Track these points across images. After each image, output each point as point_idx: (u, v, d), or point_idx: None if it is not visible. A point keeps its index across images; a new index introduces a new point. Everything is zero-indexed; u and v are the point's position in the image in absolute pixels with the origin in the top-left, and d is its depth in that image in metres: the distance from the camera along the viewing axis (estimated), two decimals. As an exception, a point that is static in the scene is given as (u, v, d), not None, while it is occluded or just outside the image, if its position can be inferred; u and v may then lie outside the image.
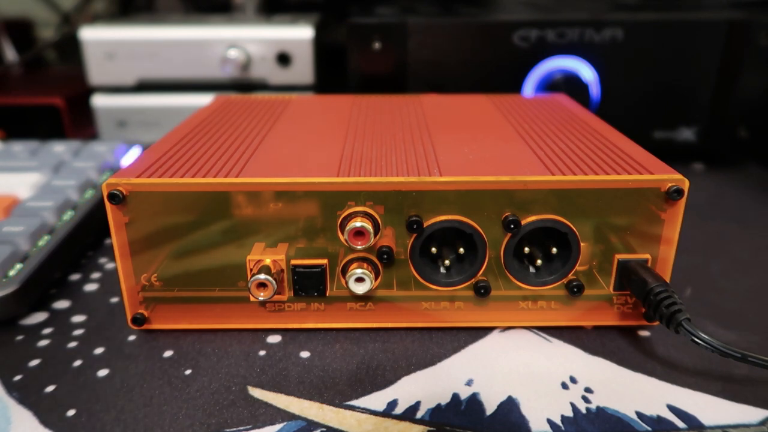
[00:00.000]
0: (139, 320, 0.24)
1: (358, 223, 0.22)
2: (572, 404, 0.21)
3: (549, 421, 0.20)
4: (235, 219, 0.23)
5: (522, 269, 0.24)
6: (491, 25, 0.38)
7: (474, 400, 0.21)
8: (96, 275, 0.29)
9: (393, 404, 0.21)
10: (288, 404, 0.21)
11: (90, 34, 0.43)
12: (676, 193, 0.22)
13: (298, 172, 0.23)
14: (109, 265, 0.30)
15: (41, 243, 0.27)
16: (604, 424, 0.20)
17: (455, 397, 0.21)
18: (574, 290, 0.23)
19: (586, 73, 0.39)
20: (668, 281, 0.23)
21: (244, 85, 0.44)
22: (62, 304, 0.27)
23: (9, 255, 0.25)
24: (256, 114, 0.31)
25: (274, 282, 0.22)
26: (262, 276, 0.22)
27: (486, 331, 0.25)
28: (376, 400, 0.21)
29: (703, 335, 0.21)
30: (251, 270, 0.23)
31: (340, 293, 0.24)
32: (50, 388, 0.22)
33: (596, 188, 0.22)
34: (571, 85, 0.39)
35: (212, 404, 0.21)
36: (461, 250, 0.23)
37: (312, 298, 0.24)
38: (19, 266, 0.25)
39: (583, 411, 0.21)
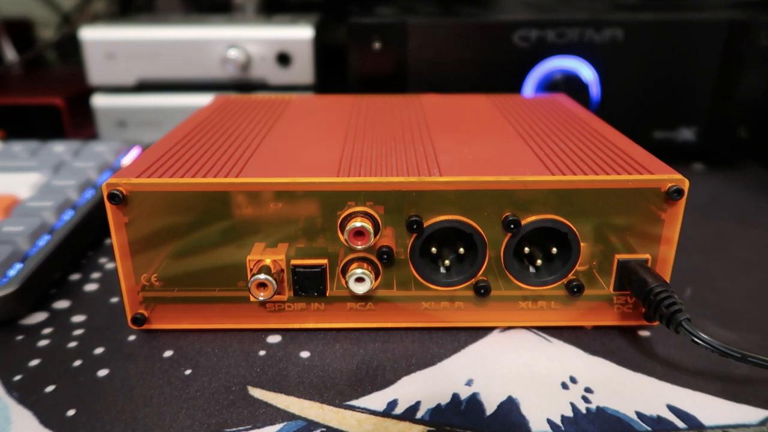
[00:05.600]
0: (139, 320, 0.24)
1: (358, 223, 0.22)
2: (572, 404, 0.21)
3: (549, 421, 0.20)
4: (235, 219, 0.23)
5: (522, 269, 0.24)
6: (491, 25, 0.38)
7: (474, 400, 0.21)
8: (96, 275, 0.29)
9: (393, 404, 0.21)
10: (288, 404, 0.21)
11: (90, 34, 0.43)
12: (676, 193, 0.22)
13: (298, 172, 0.23)
14: (109, 265, 0.30)
15: (41, 243, 0.27)
16: (604, 424, 0.20)
17: (455, 397, 0.21)
18: (574, 290, 0.23)
19: (586, 73, 0.39)
20: (668, 281, 0.23)
21: (244, 85, 0.44)
22: (62, 304, 0.27)
23: (9, 255, 0.25)
24: (256, 114, 0.31)
25: (274, 282, 0.22)
26: (262, 276, 0.22)
27: (486, 331, 0.25)
28: (376, 400, 0.21)
29: (703, 335, 0.21)
30: (251, 270, 0.23)
31: (340, 293, 0.24)
32: (50, 388, 0.22)
33: (596, 188, 0.22)
34: (571, 85, 0.39)
35: (212, 404, 0.21)
36: (461, 250, 0.23)
37: (312, 298, 0.24)
38: (19, 266, 0.25)
39: (583, 411, 0.21)
